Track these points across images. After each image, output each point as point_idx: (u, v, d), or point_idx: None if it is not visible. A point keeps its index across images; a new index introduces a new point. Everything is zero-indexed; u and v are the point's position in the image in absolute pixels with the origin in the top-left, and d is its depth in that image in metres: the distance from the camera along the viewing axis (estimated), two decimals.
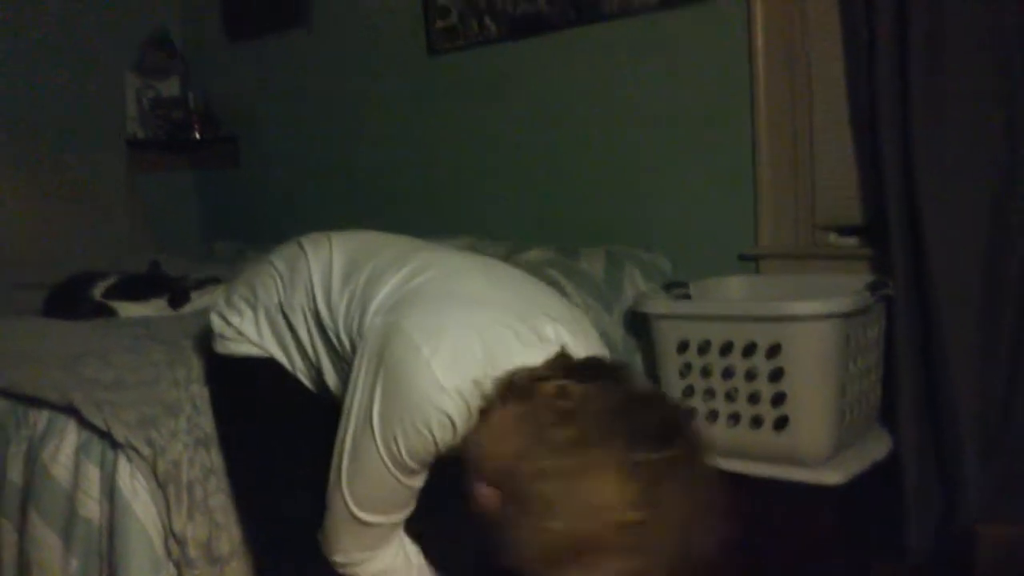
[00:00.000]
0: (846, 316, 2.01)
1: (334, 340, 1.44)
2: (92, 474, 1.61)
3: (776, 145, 2.52)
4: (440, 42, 3.15)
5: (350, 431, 1.34)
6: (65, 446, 1.65)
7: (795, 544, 2.01)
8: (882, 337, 2.23)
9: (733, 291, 2.47)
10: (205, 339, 1.78)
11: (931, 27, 2.08)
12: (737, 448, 2.08)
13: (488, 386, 1.27)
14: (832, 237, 2.53)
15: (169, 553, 1.58)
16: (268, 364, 1.55)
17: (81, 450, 1.63)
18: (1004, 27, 2.05)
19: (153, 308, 2.29)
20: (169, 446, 1.60)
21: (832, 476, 2.01)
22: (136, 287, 2.31)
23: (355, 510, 1.35)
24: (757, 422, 2.09)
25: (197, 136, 3.87)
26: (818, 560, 2.00)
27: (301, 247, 1.59)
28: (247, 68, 3.82)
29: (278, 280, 1.56)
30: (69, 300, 2.28)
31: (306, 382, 1.55)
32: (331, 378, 1.48)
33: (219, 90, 3.92)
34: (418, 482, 1.37)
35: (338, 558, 1.42)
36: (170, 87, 3.94)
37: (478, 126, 3.13)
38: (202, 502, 1.62)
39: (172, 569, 1.59)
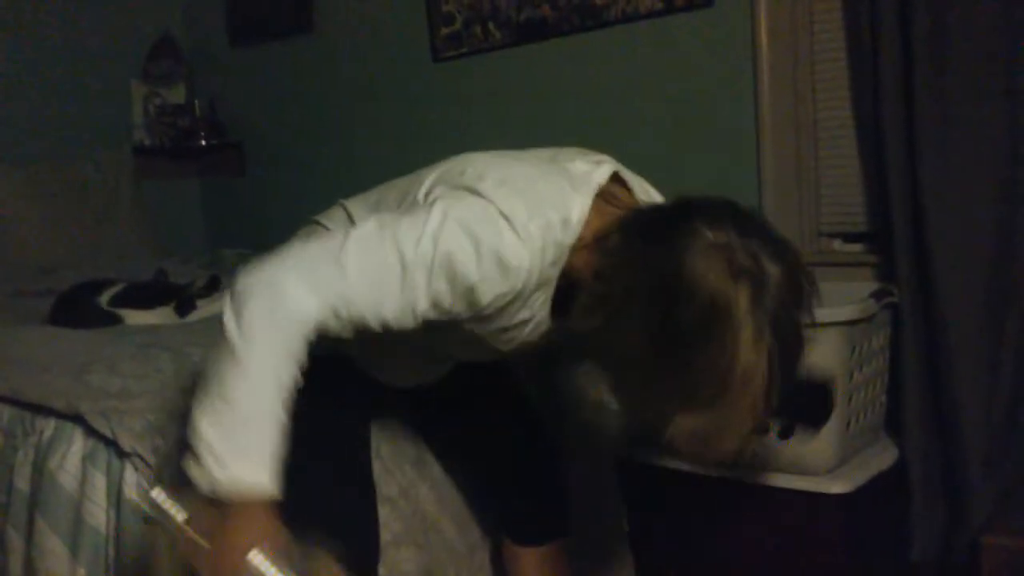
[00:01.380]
0: (851, 324, 2.00)
1: None
2: (99, 482, 1.62)
3: (780, 151, 2.52)
4: (444, 49, 3.15)
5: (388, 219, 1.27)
6: (72, 454, 1.66)
7: (800, 553, 2.01)
8: (888, 345, 2.23)
9: None
10: None
11: (934, 27, 2.08)
12: (742, 457, 2.07)
13: (556, 232, 1.26)
14: (837, 244, 2.53)
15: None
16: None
17: (88, 458, 1.64)
18: (1007, 26, 2.04)
19: (160, 316, 2.30)
20: (175, 454, 1.60)
21: (837, 485, 2.00)
22: (143, 295, 2.32)
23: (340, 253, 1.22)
24: (762, 430, 2.08)
25: (203, 143, 3.88)
26: (823, 570, 1.99)
27: (315, 222, 1.59)
28: (252, 75, 3.83)
29: None
30: (76, 308, 2.29)
31: (355, 353, 1.51)
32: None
33: (224, 97, 3.93)
34: (419, 306, 1.24)
35: (259, 275, 1.21)
36: (176, 94, 3.95)
37: (483, 132, 3.13)
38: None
39: None
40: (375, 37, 3.37)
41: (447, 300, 1.25)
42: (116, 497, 1.59)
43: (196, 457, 1.14)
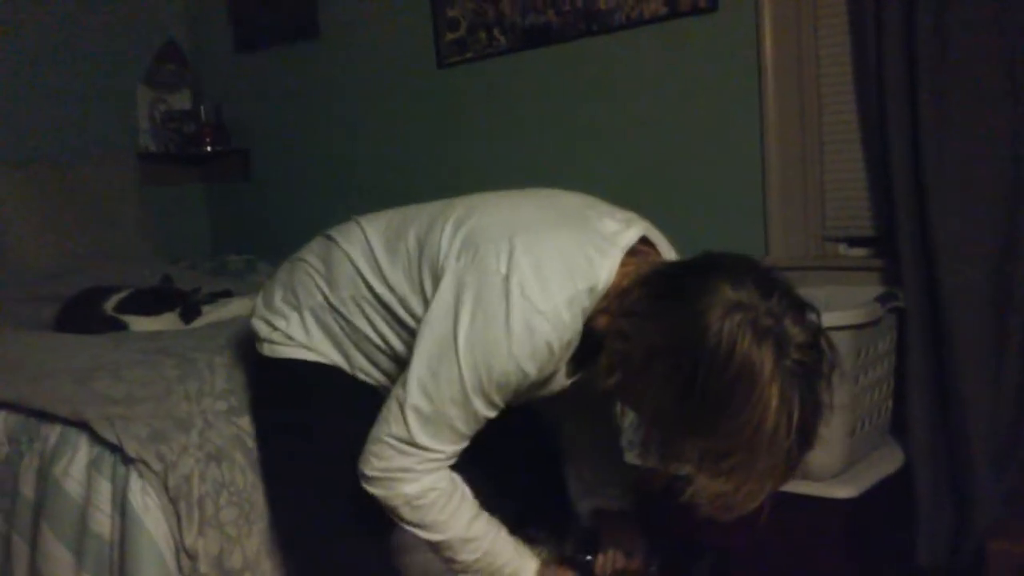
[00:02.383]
0: (857, 328, 2.00)
1: (401, 312, 1.44)
2: (104, 489, 1.62)
3: (785, 156, 2.52)
4: (449, 54, 3.16)
5: (428, 352, 1.34)
6: (77, 460, 1.66)
7: (806, 558, 2.00)
8: (893, 349, 2.23)
9: None
10: (244, 347, 1.78)
11: (937, 28, 2.08)
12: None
13: (583, 300, 1.29)
14: (842, 248, 2.53)
15: (180, 568, 1.58)
16: (321, 368, 1.54)
17: (93, 465, 1.64)
18: (1009, 27, 2.04)
19: (165, 322, 2.30)
20: (180, 461, 1.61)
21: (843, 490, 2.00)
22: (148, 301, 2.32)
23: (415, 430, 1.35)
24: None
25: (208, 149, 3.89)
26: (829, 574, 1.99)
27: (330, 239, 1.59)
28: (257, 80, 3.84)
29: (316, 277, 1.55)
30: (81, 314, 2.29)
31: (368, 378, 1.54)
32: (405, 351, 1.47)
33: (230, 103, 3.94)
34: (492, 413, 1.37)
35: (373, 472, 1.39)
36: (181, 100, 3.96)
37: (488, 137, 3.13)
38: (213, 517, 1.62)
39: None
40: (380, 43, 3.37)
41: (498, 398, 1.36)
42: (121, 503, 1.59)
43: None
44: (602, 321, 1.33)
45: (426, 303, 1.39)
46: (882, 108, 2.19)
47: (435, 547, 1.44)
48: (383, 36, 3.36)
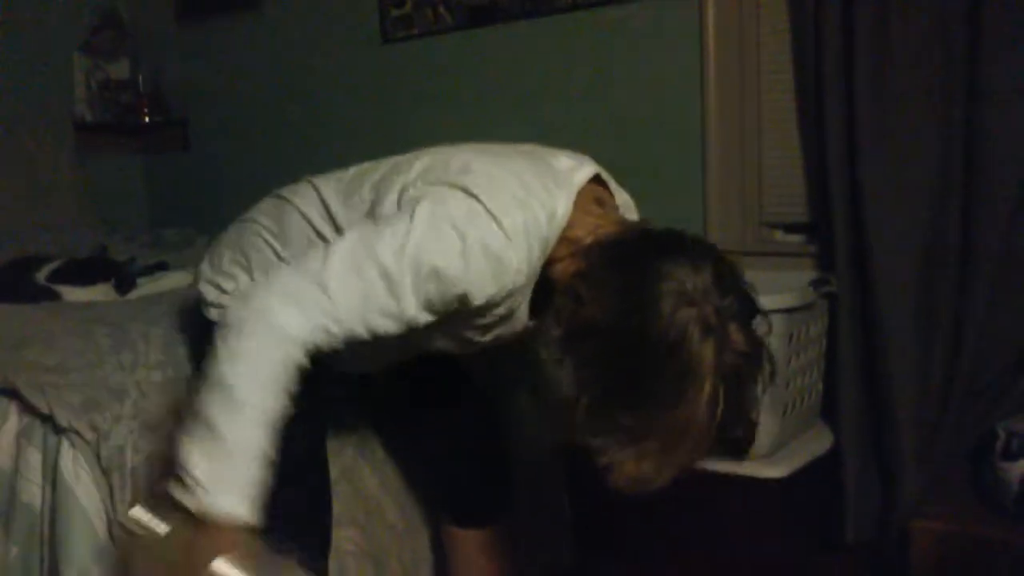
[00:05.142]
0: (789, 312, 2.04)
1: None
2: (34, 459, 1.59)
3: (724, 143, 2.55)
4: (394, 30, 3.13)
5: (373, 227, 1.27)
6: (6, 430, 1.63)
7: (737, 537, 2.04)
8: (824, 333, 2.27)
9: None
10: (184, 318, 1.75)
11: (876, 19, 2.12)
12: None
13: (542, 229, 1.27)
14: (778, 234, 2.57)
15: (113, 540, 1.56)
16: None
17: (22, 434, 1.61)
18: (947, 23, 2.09)
19: (99, 293, 2.25)
20: (113, 431, 1.58)
21: (773, 470, 2.04)
22: (82, 271, 2.27)
23: (331, 268, 1.23)
24: None
25: (146, 119, 3.81)
26: (759, 552, 2.03)
27: (282, 198, 1.56)
28: (198, 51, 3.77)
29: (267, 236, 1.52)
30: (12, 284, 2.24)
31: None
32: None
33: (169, 73, 3.86)
34: (420, 313, 1.26)
35: (251, 288, 1.28)
36: (119, 69, 3.87)
37: (432, 114, 3.12)
38: (146, 488, 1.60)
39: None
40: (324, 16, 3.33)
41: (438, 303, 1.26)
42: (52, 473, 1.56)
43: (181, 479, 1.17)
44: (560, 268, 1.32)
45: None
46: (820, 95, 2.23)
47: (206, 378, 1.22)
48: (327, 9, 3.32)
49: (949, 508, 1.96)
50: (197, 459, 1.16)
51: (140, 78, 3.82)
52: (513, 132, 2.88)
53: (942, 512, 1.95)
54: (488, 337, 1.43)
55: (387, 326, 1.26)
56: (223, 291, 1.53)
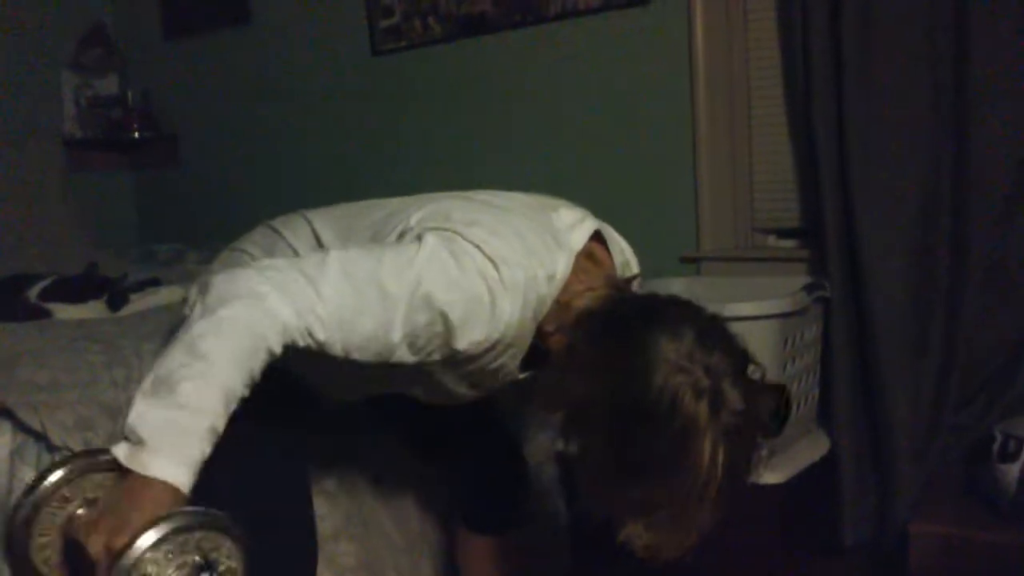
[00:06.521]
0: (784, 317, 2.04)
1: None
2: (28, 477, 1.58)
3: (715, 148, 2.56)
4: (384, 42, 3.14)
5: (374, 251, 1.27)
6: None
7: (734, 542, 2.03)
8: (819, 338, 2.27)
9: (675, 293, 2.48)
10: (174, 335, 1.73)
11: (864, 25, 2.13)
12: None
13: (541, 286, 1.27)
14: (771, 239, 2.58)
15: None
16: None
17: (16, 453, 1.59)
18: (935, 26, 2.10)
19: (91, 310, 2.24)
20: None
21: (772, 476, 2.04)
22: (73, 289, 2.26)
23: (328, 274, 1.22)
24: None
25: (136, 135, 3.81)
26: (757, 558, 2.03)
27: (274, 230, 1.54)
28: (186, 66, 3.77)
29: None
30: (2, 302, 2.23)
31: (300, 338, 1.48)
32: None
33: (158, 88, 3.86)
34: (395, 336, 1.23)
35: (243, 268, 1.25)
36: (108, 85, 3.87)
37: (422, 126, 3.12)
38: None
39: None
40: (313, 29, 3.34)
41: (423, 337, 1.24)
42: None
43: (127, 429, 1.13)
44: (552, 337, 1.32)
45: None
46: (808, 106, 2.24)
47: (176, 340, 1.18)
48: (316, 23, 3.32)
49: (946, 510, 1.96)
50: (146, 408, 1.12)
51: (129, 94, 3.82)
52: (504, 141, 2.91)
53: (939, 514, 1.95)
54: (474, 388, 1.42)
55: (364, 348, 1.24)
56: None
